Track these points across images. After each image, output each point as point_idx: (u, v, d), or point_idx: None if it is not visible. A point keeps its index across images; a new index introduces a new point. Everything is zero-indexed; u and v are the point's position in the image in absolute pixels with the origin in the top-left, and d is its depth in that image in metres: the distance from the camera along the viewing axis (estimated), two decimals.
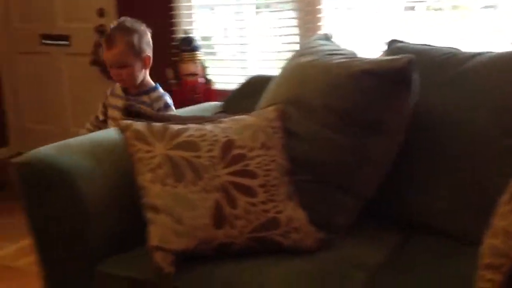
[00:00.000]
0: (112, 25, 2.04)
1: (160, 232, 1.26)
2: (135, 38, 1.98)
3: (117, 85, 2.08)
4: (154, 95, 2.03)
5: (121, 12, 3.36)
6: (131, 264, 1.32)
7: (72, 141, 1.53)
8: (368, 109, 1.37)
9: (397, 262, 1.28)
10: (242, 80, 2.01)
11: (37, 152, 1.42)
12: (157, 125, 1.42)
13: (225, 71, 3.21)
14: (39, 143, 1.53)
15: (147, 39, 2.02)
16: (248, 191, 1.30)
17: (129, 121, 1.43)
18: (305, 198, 1.36)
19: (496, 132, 1.35)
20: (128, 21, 2.04)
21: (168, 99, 2.04)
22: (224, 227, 1.26)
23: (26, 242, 1.45)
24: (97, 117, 2.13)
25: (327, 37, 1.71)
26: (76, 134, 1.90)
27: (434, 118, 1.44)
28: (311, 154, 1.43)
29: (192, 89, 2.81)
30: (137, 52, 1.97)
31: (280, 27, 3.03)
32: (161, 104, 2.01)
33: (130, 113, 1.54)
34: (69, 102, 3.61)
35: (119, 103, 1.99)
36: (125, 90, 2.06)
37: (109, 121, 2.05)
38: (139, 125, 1.41)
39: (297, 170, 1.41)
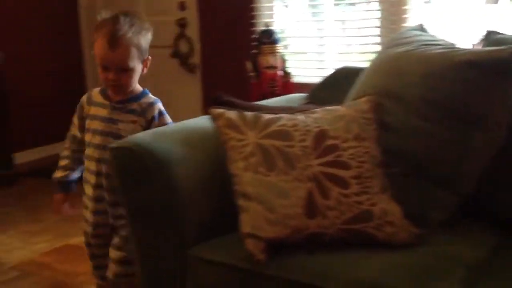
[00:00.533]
0: (111, 19, 1.63)
1: (252, 220, 1.27)
2: (144, 39, 1.66)
3: (95, 92, 1.74)
4: (145, 101, 1.69)
5: (202, 5, 3.42)
6: (223, 249, 1.34)
7: (166, 128, 1.57)
8: (470, 101, 1.32)
9: (497, 262, 1.22)
10: (321, 73, 1.99)
11: (134, 138, 1.47)
12: (249, 114, 1.43)
13: (303, 64, 3.20)
14: None
15: (150, 38, 1.71)
16: (341, 182, 1.29)
17: (221, 110, 1.45)
18: (399, 191, 1.32)
19: None
20: (133, 15, 1.67)
21: (161, 105, 1.71)
22: (316, 217, 1.25)
23: None
24: (74, 137, 1.77)
25: (422, 28, 1.66)
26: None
27: None
28: (406, 147, 1.39)
29: (271, 82, 2.82)
30: (143, 55, 1.66)
31: (360, 19, 2.98)
32: (154, 112, 1.68)
33: (220, 102, 1.56)
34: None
35: (102, 112, 1.68)
36: (106, 97, 1.70)
37: (88, 135, 1.70)
38: (231, 113, 1.43)
39: (391, 162, 1.38)
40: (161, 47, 3.55)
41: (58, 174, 1.77)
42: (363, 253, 1.24)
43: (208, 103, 1.90)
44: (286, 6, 3.38)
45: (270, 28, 3.00)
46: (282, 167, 1.32)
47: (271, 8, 3.20)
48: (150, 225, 1.44)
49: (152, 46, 3.84)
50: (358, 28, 3.03)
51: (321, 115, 1.44)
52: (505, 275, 1.17)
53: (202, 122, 1.57)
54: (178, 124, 1.60)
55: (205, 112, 1.53)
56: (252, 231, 1.25)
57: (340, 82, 1.83)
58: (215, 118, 1.44)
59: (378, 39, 2.90)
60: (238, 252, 1.28)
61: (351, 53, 3.05)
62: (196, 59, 3.46)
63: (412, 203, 1.33)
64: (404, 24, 2.71)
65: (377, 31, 2.90)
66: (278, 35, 2.99)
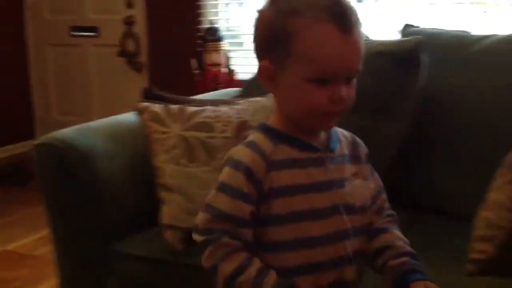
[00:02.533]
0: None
1: (172, 211, 1.28)
2: None
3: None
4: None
5: (150, 3, 3.41)
6: (145, 243, 1.35)
7: (92, 123, 1.56)
8: (379, 91, 1.36)
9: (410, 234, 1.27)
10: None
11: (57, 133, 1.45)
12: (174, 106, 1.44)
13: (249, 62, 3.22)
14: None
15: None
16: None
17: (146, 103, 1.45)
18: None
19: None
20: None
21: None
22: None
23: (46, 231, 1.49)
24: None
25: None
26: None
27: (451, 99, 1.42)
28: None
29: (215, 79, 2.83)
30: None
31: None
32: None
33: (149, 95, 1.56)
34: (96, 93, 3.68)
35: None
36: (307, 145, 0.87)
37: None
38: (156, 107, 1.44)
39: None
40: (108, 45, 3.52)
41: None
42: None
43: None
44: (241, 3, 3.40)
45: (214, 25, 3.01)
46: (203, 158, 1.33)
47: (216, 6, 3.21)
48: (73, 223, 1.42)
49: (98, 44, 3.80)
50: None
51: (244, 106, 1.46)
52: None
53: (129, 117, 1.57)
54: (104, 120, 1.59)
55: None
56: (171, 222, 1.26)
57: None
58: (140, 111, 1.45)
59: None
60: (159, 245, 1.28)
61: None
62: (143, 57, 3.44)
63: None
64: None
65: None
66: (223, 33, 3.00)
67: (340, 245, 0.83)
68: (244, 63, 3.18)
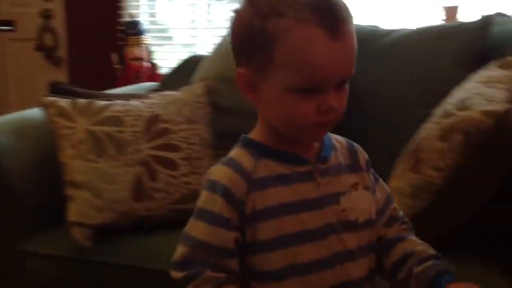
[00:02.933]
0: None
1: (79, 208, 1.25)
2: None
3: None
4: None
5: None
6: (53, 241, 1.31)
7: None
8: None
9: None
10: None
11: None
12: (82, 101, 1.41)
13: (174, 56, 3.19)
14: None
15: None
16: (170, 164, 1.31)
17: (53, 98, 1.41)
18: None
19: (416, 104, 1.39)
20: None
21: None
22: (144, 200, 1.26)
23: None
24: None
25: None
26: None
27: (364, 92, 1.46)
28: (240, 128, 1.43)
29: (137, 74, 2.78)
30: None
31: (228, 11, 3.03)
32: None
33: (56, 90, 1.52)
34: (14, 89, 3.53)
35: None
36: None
37: None
38: (63, 101, 1.39)
39: (227, 143, 1.42)
40: (25, 40, 3.38)
41: None
42: None
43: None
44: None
45: (135, 19, 2.95)
46: (112, 153, 1.31)
47: None
48: None
49: (14, 39, 3.64)
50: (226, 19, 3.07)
51: (156, 100, 1.44)
52: None
53: (36, 112, 1.52)
54: (8, 115, 1.53)
55: None
56: (78, 219, 1.24)
57: (190, 70, 1.85)
58: (46, 106, 1.40)
59: None
60: (67, 243, 1.25)
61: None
62: (62, 52, 3.33)
63: None
64: None
65: None
66: (144, 26, 2.95)
67: (340, 269, 0.72)
68: (171, 57, 3.15)
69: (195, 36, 3.22)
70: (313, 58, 0.66)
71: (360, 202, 0.75)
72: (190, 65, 1.94)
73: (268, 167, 0.72)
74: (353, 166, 0.77)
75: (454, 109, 1.09)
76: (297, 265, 0.70)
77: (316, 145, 0.75)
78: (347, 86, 0.70)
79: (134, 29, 2.89)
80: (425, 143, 1.09)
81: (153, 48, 2.98)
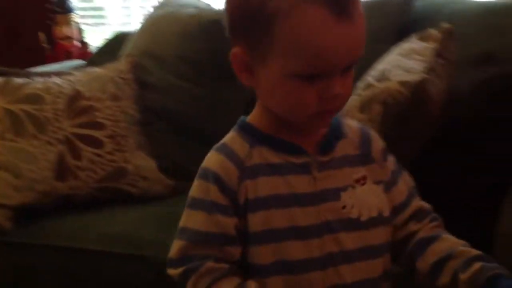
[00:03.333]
0: None
1: None
2: None
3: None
4: None
5: None
6: None
7: None
8: (217, 58, 1.38)
9: None
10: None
11: None
12: None
13: (108, 35, 3.10)
14: None
15: None
16: (94, 142, 1.27)
17: None
18: (161, 147, 1.35)
19: None
20: None
21: None
22: (67, 179, 1.23)
23: None
24: None
25: None
26: None
27: None
28: (166, 104, 1.42)
29: (67, 53, 2.69)
30: None
31: None
32: None
33: None
34: None
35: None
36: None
37: None
38: None
39: (153, 120, 1.40)
40: None
41: None
42: (119, 209, 1.24)
43: None
44: None
45: None
46: (32, 131, 1.26)
47: None
48: None
49: None
50: None
51: (79, 77, 1.40)
52: None
53: None
54: None
55: None
56: None
57: (117, 47, 1.80)
58: None
59: None
60: None
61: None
62: None
63: (172, 157, 1.36)
64: None
65: None
66: (74, 4, 2.84)
67: (333, 271, 0.65)
68: (104, 36, 3.06)
69: (129, 15, 3.14)
70: (317, 42, 0.58)
71: (366, 198, 0.67)
72: (118, 42, 1.89)
73: (263, 155, 0.65)
74: (363, 158, 0.69)
75: (374, 80, 1.11)
76: (285, 262, 0.64)
77: (322, 131, 0.67)
78: (352, 69, 0.63)
79: (62, 7, 2.78)
80: (346, 115, 1.10)
81: (84, 27, 2.89)
